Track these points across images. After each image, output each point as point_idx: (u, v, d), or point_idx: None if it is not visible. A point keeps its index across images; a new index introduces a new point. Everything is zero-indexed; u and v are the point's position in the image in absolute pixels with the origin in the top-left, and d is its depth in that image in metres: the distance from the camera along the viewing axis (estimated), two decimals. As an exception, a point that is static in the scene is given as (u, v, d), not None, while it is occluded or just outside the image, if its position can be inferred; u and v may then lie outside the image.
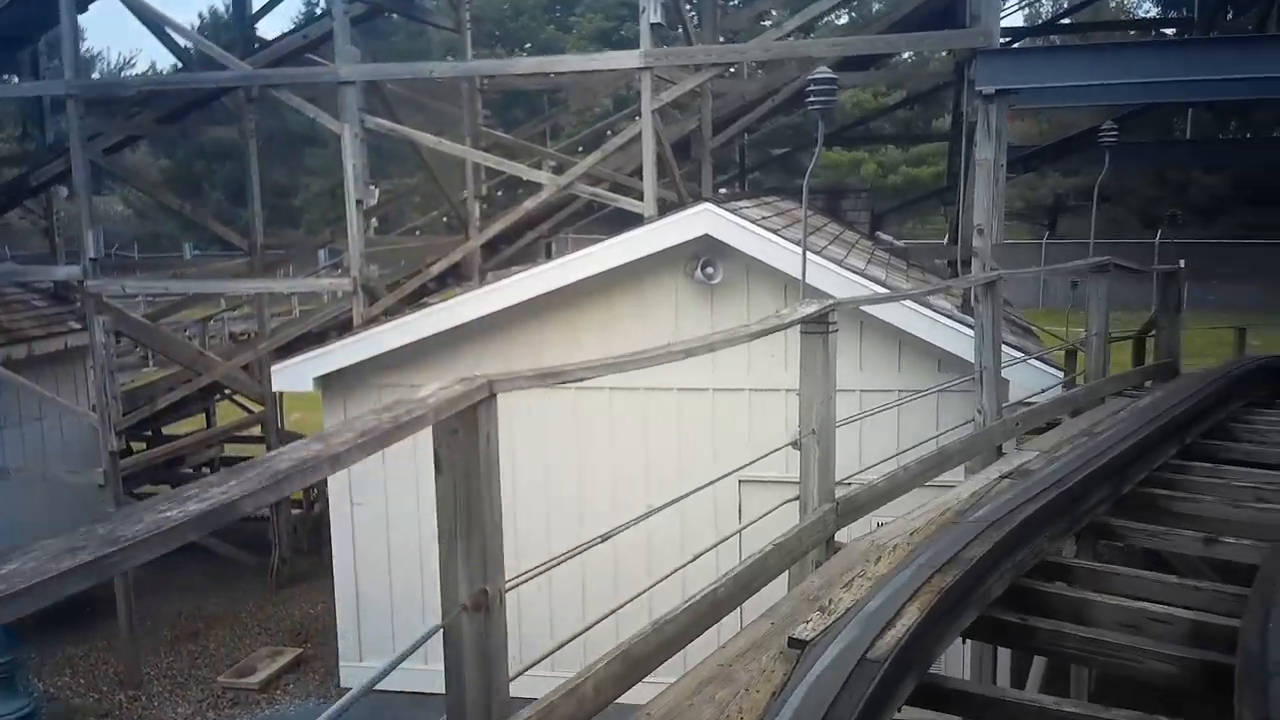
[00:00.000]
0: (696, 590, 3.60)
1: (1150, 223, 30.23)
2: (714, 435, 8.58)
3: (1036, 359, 7.48)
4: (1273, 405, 7.89)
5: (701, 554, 4.15)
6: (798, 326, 4.45)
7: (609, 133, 11.62)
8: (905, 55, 25.26)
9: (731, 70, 12.76)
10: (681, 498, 4.48)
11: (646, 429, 8.59)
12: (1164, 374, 9.07)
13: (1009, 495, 4.36)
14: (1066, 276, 7.59)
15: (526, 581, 2.89)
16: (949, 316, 7.68)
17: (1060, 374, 7.63)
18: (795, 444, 4.61)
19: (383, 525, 9.09)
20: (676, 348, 3.68)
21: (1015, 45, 9.23)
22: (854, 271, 7.93)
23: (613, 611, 3.59)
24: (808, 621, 3.16)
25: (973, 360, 7.68)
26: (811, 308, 4.44)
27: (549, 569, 3.13)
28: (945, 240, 13.74)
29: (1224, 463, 6.34)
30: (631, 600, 3.67)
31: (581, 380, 2.99)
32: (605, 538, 3.35)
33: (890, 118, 27.95)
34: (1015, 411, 6.42)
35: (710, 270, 8.15)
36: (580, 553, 3.23)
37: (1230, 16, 12.43)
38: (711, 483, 4.92)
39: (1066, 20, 15.35)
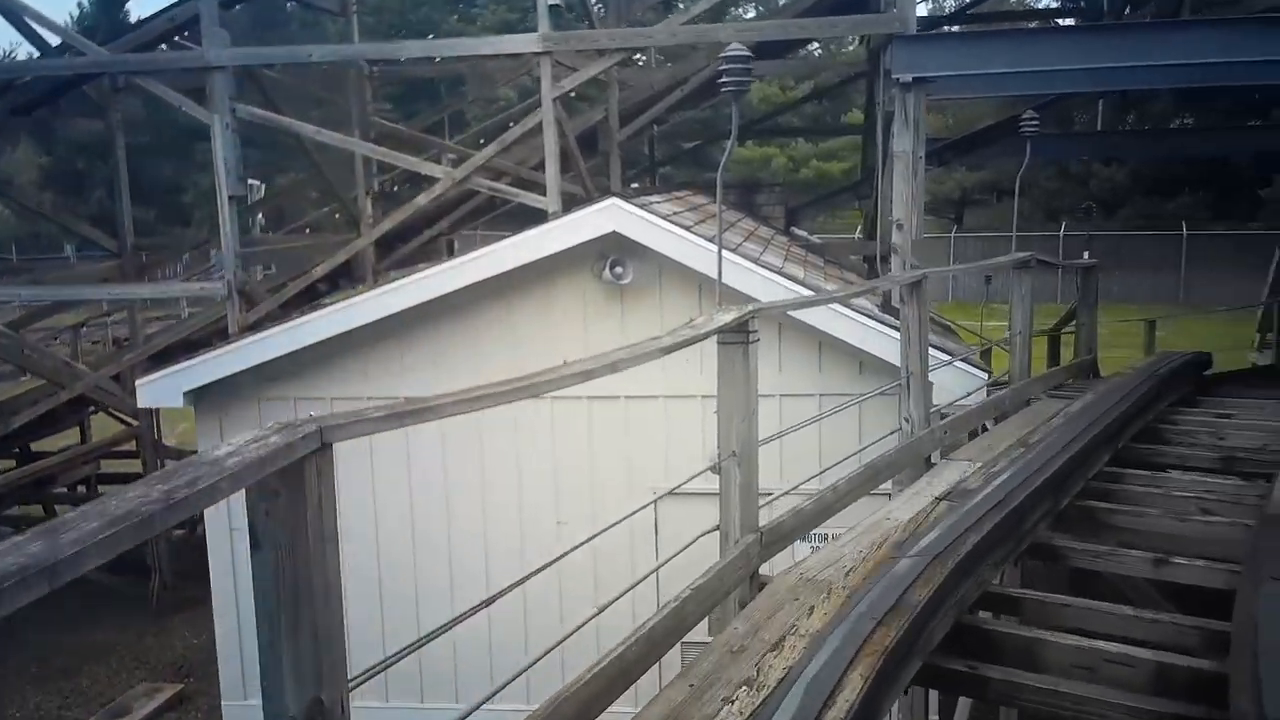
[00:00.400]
0: (618, 623, 3.09)
1: (1053, 215, 30.84)
2: (628, 445, 8.04)
3: (962, 360, 7.13)
4: (1195, 403, 7.72)
5: (614, 599, 3.62)
6: (715, 337, 3.94)
7: (511, 124, 10.99)
8: (815, 49, 25.17)
9: (640, 60, 12.26)
10: (592, 536, 3.95)
11: (554, 440, 8.01)
12: (1085, 371, 8.87)
13: (950, 521, 3.93)
14: (989, 272, 7.29)
15: (376, 675, 2.31)
16: (870, 317, 7.28)
17: (985, 376, 7.31)
18: (714, 468, 4.10)
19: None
20: (571, 370, 3.14)
21: (932, 32, 8.89)
22: (772, 270, 7.48)
23: (521, 672, 3.09)
24: (732, 701, 2.63)
25: (894, 362, 7.32)
26: (729, 315, 3.94)
27: (416, 648, 2.54)
28: (858, 235, 13.49)
29: (1160, 469, 6.06)
30: (542, 657, 3.12)
31: (446, 417, 2.41)
32: (488, 602, 2.78)
33: (800, 112, 27.85)
34: (942, 419, 6.03)
35: (620, 270, 7.60)
36: (456, 623, 2.64)
37: (1128, 11, 12.44)
38: (625, 518, 4.40)
39: (971, 11, 15.24)
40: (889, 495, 5.83)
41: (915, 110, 7.42)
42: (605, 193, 7.72)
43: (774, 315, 6.83)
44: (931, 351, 7.20)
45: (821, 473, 5.25)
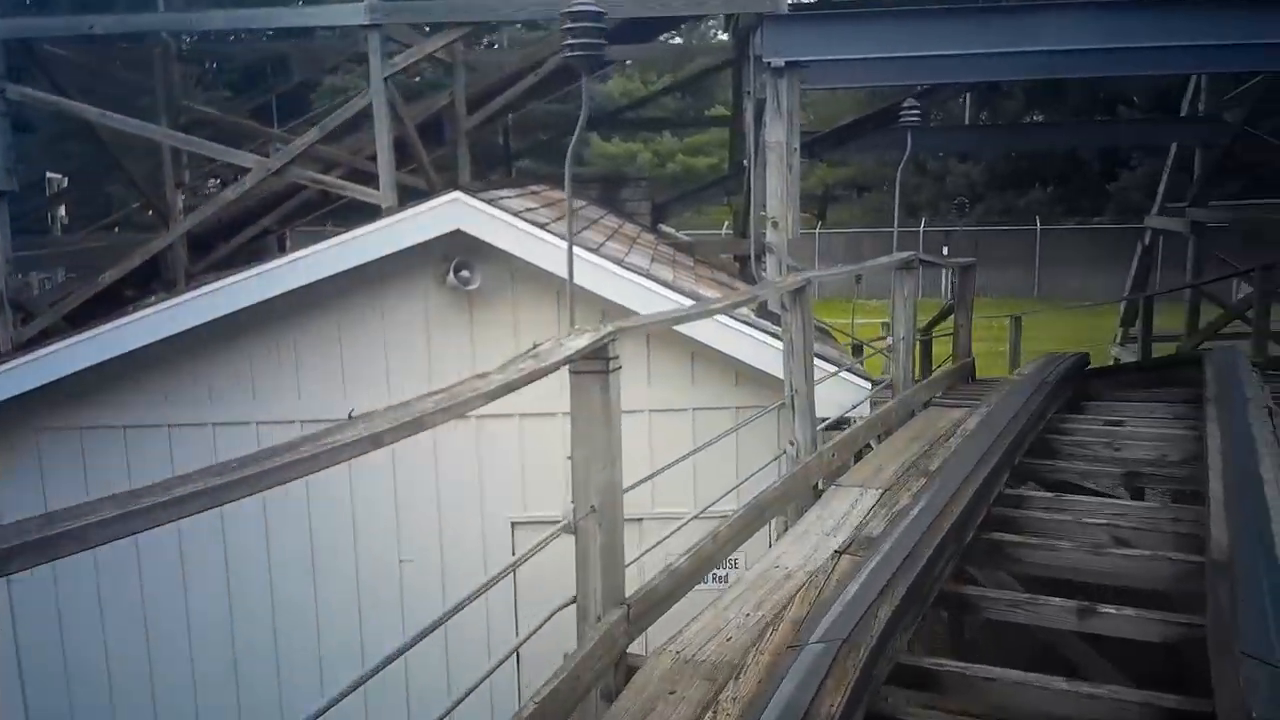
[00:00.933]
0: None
1: (913, 210, 31.32)
2: (480, 470, 7.14)
3: (848, 370, 6.53)
4: (1082, 409, 7.36)
5: (464, 694, 2.77)
6: (567, 366, 3.13)
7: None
8: (678, 37, 24.65)
9: (495, 44, 11.29)
10: (441, 620, 3.09)
11: (394, 469, 7.03)
12: (965, 375, 8.47)
13: (856, 589, 3.21)
14: (872, 272, 6.75)
15: None
16: (746, 323, 6.60)
17: (869, 386, 6.74)
18: (568, 527, 3.28)
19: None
20: (369, 429, 2.26)
21: (805, 13, 8.29)
22: (638, 272, 6.71)
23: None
24: None
25: (772, 372, 6.68)
26: (582, 340, 3.13)
27: None
28: (725, 231, 12.93)
29: (1060, 488, 5.60)
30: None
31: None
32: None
33: (665, 106, 27.35)
34: (829, 441, 5.39)
35: (465, 274, 6.69)
36: None
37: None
38: (480, 590, 3.56)
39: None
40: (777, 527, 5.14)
41: (788, 97, 6.79)
42: (449, 186, 6.79)
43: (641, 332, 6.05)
44: (816, 363, 6.57)
45: (697, 515, 4.50)
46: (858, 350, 13.82)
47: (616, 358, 3.26)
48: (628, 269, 6.67)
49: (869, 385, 6.79)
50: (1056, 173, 31.98)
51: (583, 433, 3.24)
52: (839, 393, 6.61)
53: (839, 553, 3.69)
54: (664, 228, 11.28)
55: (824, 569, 3.59)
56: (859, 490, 5.09)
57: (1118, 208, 29.48)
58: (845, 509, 4.86)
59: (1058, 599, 3.86)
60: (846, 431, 5.63)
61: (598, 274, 6.58)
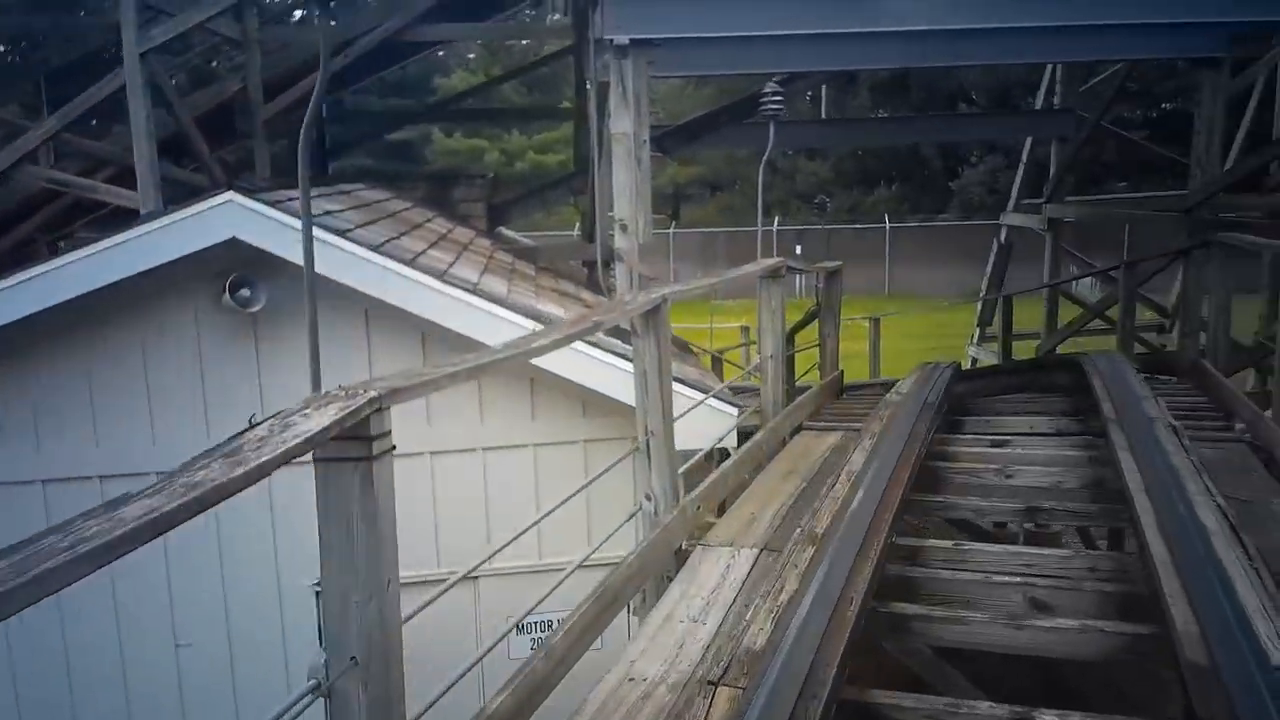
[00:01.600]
0: None
1: (765, 209, 31.12)
2: (274, 530, 5.92)
3: (714, 397, 5.65)
4: (961, 426, 6.74)
5: None
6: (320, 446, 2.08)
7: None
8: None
9: (299, 17, 9.91)
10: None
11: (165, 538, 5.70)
12: (835, 390, 7.76)
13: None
14: (733, 280, 5.96)
15: None
16: (594, 344, 5.63)
17: (735, 411, 5.88)
18: (318, 688, 2.22)
19: None
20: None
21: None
22: (462, 287, 5.63)
23: None
24: None
25: (624, 400, 5.76)
26: (326, 415, 2.07)
27: None
28: (577, 233, 11.96)
29: (955, 529, 4.88)
30: None
31: None
32: None
33: (508, 97, 26.19)
34: (694, 491, 4.48)
35: (246, 293, 5.46)
36: None
37: None
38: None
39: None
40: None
41: (635, 82, 5.86)
42: (224, 186, 5.53)
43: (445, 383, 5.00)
44: (676, 389, 5.65)
45: (518, 622, 3.49)
46: (717, 362, 13.09)
47: (386, 434, 2.21)
48: (450, 283, 5.59)
49: (735, 412, 5.93)
50: (901, 171, 32.47)
51: (335, 548, 2.18)
52: (702, 421, 5.72)
53: (713, 684, 2.74)
54: (505, 231, 10.21)
55: (695, 704, 2.64)
56: (730, 552, 4.19)
57: (961, 205, 30.08)
58: (715, 579, 3.96)
59: (985, 704, 3.04)
60: (713, 476, 4.73)
61: (411, 289, 5.48)
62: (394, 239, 6.07)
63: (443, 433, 5.90)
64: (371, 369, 5.80)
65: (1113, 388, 5.91)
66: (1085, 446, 5.78)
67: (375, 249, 5.52)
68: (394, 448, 2.24)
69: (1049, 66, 12.73)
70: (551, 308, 6.37)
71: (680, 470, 4.71)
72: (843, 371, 8.09)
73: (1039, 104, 12.77)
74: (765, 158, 7.85)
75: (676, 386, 5.80)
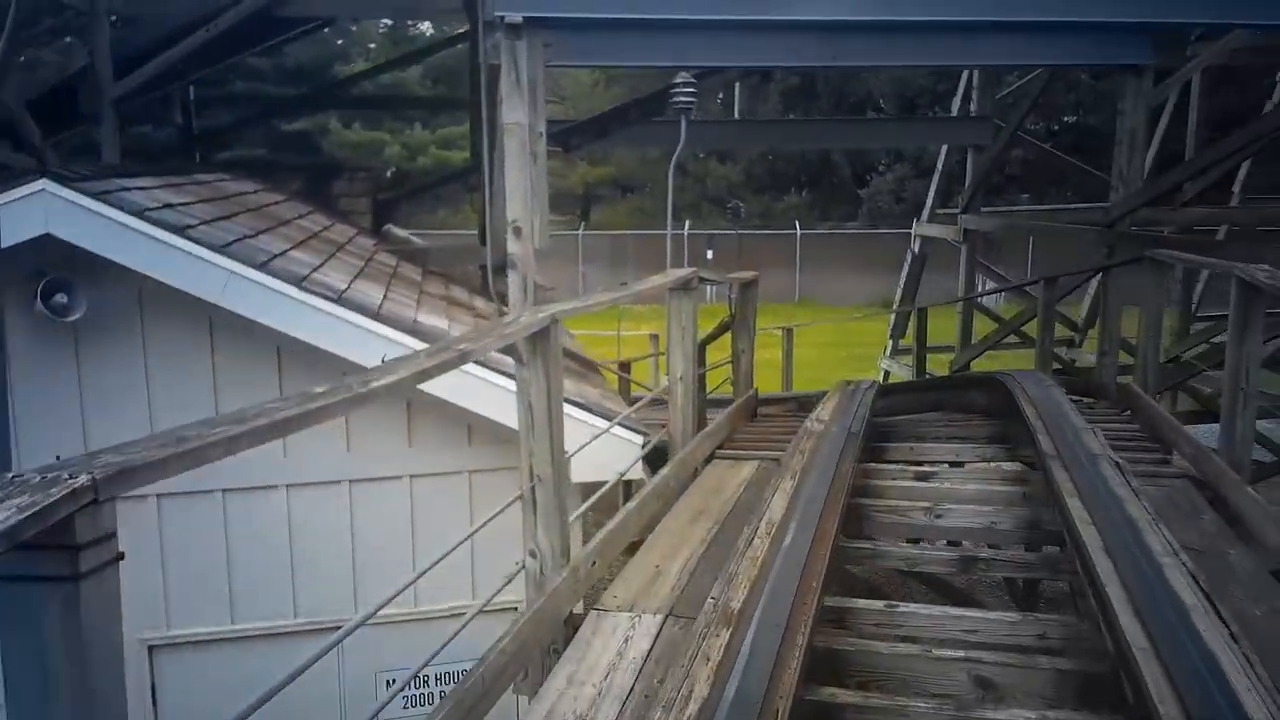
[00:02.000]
0: None
1: (675, 213, 30.66)
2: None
3: (619, 425, 5.00)
4: (884, 454, 6.24)
5: None
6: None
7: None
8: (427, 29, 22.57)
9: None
10: None
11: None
12: (749, 412, 7.20)
13: None
14: (644, 294, 5.36)
15: None
16: (481, 364, 4.92)
17: (640, 440, 5.24)
18: None
19: None
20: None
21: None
22: (326, 296, 4.85)
23: None
24: None
25: (513, 424, 5.07)
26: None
27: None
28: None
29: (891, 582, 4.33)
30: None
31: None
32: None
33: (406, 84, 25.12)
34: (589, 544, 3.80)
35: (63, 299, 4.59)
36: None
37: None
38: None
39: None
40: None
41: (530, 66, 5.17)
42: (36, 173, 4.64)
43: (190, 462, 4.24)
44: (570, 414, 4.97)
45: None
46: (625, 369, 12.44)
47: (107, 539, 1.49)
48: (310, 290, 4.80)
49: (641, 440, 5.29)
50: (811, 177, 32.43)
51: (26, 705, 1.45)
52: (606, 450, 5.06)
53: None
54: (395, 230, 9.38)
55: None
56: (630, 620, 3.54)
57: (870, 213, 30.15)
58: (610, 657, 3.30)
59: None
60: (612, 524, 4.07)
61: (262, 298, 4.68)
62: (248, 238, 5.25)
63: (301, 462, 5.12)
64: (217, 396, 4.99)
65: (1047, 417, 5.46)
66: (1016, 480, 5.31)
67: (219, 249, 4.70)
68: (121, 556, 1.52)
69: (965, 74, 12.48)
70: (435, 319, 5.64)
71: (575, 515, 4.05)
72: (757, 390, 7.55)
73: (955, 111, 12.50)
74: (675, 155, 7.24)
75: (575, 413, 5.14)
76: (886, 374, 13.28)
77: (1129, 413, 6.62)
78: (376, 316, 4.88)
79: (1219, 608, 3.05)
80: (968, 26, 9.20)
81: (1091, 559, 3.42)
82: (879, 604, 3.72)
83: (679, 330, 5.27)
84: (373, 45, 27.38)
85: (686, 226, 28.58)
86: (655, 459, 5.28)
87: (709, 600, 3.16)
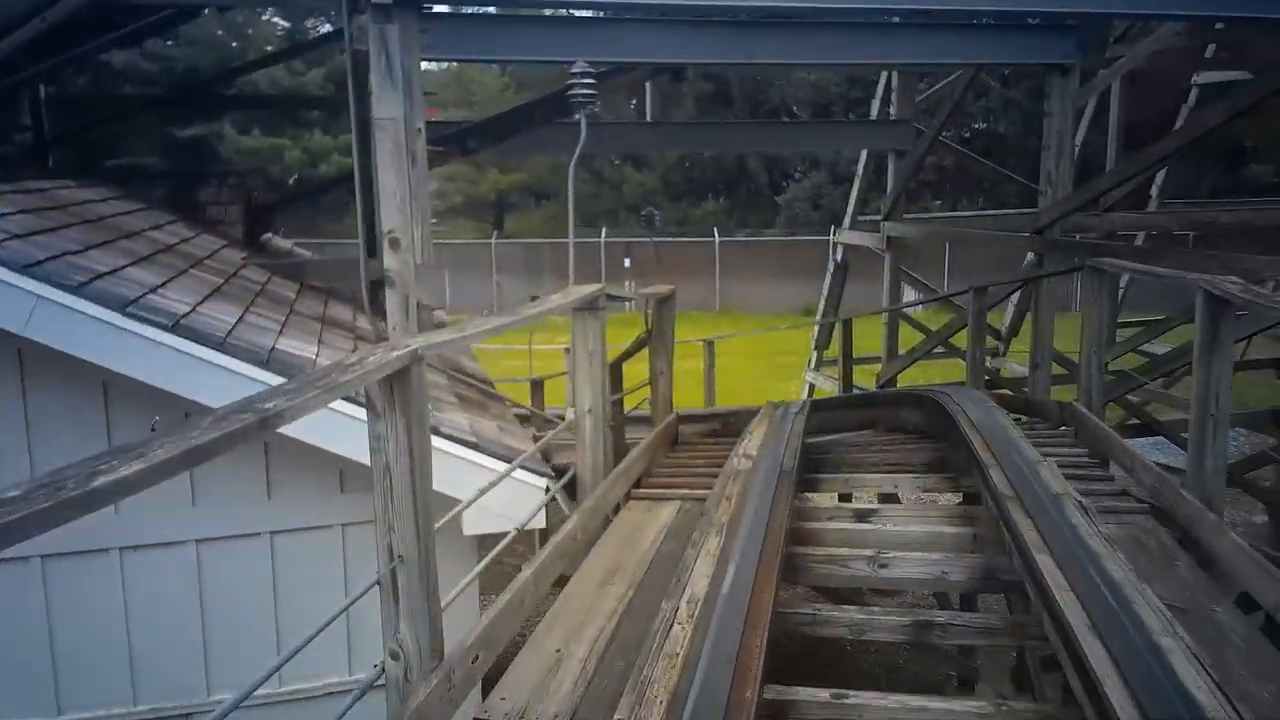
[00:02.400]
0: None
1: (591, 220, 30.03)
2: None
3: (522, 468, 4.30)
4: (817, 485, 5.67)
5: None
6: None
7: None
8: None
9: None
10: None
11: None
12: (669, 440, 6.56)
13: None
14: (542, 316, 4.67)
15: None
16: (351, 400, 4.16)
17: (544, 484, 4.54)
18: None
19: None
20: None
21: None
22: (157, 324, 4.03)
23: None
24: None
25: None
26: None
27: None
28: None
29: (837, 656, 3.70)
30: None
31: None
32: None
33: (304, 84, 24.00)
34: (468, 638, 3.08)
35: None
36: None
37: None
38: None
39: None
40: None
41: (403, 52, 4.45)
42: None
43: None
44: (461, 456, 4.29)
45: None
46: (537, 387, 11.69)
47: None
48: (137, 316, 3.99)
49: (544, 484, 4.59)
50: (728, 184, 32.13)
51: None
52: (504, 494, 4.35)
53: None
54: (275, 241, 8.49)
55: None
56: (524, 737, 2.84)
57: (787, 220, 29.93)
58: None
59: None
60: (504, 599, 3.35)
61: (83, 326, 3.86)
62: (70, 254, 4.40)
63: (138, 521, 4.29)
64: (30, 445, 4.15)
65: (995, 446, 4.93)
66: (963, 519, 4.78)
67: (24, 269, 3.86)
68: None
69: (883, 77, 12.10)
70: (301, 345, 4.85)
71: (455, 594, 3.33)
72: (678, 416, 6.92)
73: (874, 114, 12.10)
74: (576, 155, 6.54)
75: (469, 455, 4.43)
76: (812, 387, 12.81)
77: (1071, 432, 6.17)
78: (221, 346, 4.08)
79: (1234, 703, 2.50)
80: (889, 25, 8.78)
81: (1077, 638, 2.84)
82: (824, 694, 3.08)
83: (585, 356, 4.59)
84: (269, 48, 26.04)
85: (603, 234, 27.98)
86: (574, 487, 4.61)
87: (613, 654, 2.48)
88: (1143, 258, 6.61)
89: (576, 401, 4.68)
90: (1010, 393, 9.94)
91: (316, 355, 4.71)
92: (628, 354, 8.63)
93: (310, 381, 2.24)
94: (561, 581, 3.87)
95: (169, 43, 31.84)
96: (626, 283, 27.20)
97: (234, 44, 28.05)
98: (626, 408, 7.83)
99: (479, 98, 27.90)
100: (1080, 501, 4.05)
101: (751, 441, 5.31)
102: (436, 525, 3.26)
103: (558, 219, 29.21)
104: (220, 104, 11.17)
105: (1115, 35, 11.41)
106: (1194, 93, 12.23)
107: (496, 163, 29.87)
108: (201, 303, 4.72)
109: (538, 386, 11.68)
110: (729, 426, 8.09)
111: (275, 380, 3.90)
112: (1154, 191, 12.68)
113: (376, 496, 2.66)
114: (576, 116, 6.09)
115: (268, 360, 4.16)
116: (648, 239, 27.80)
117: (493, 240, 28.27)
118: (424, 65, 4.78)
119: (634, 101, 24.12)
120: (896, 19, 8.63)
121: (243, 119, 28.48)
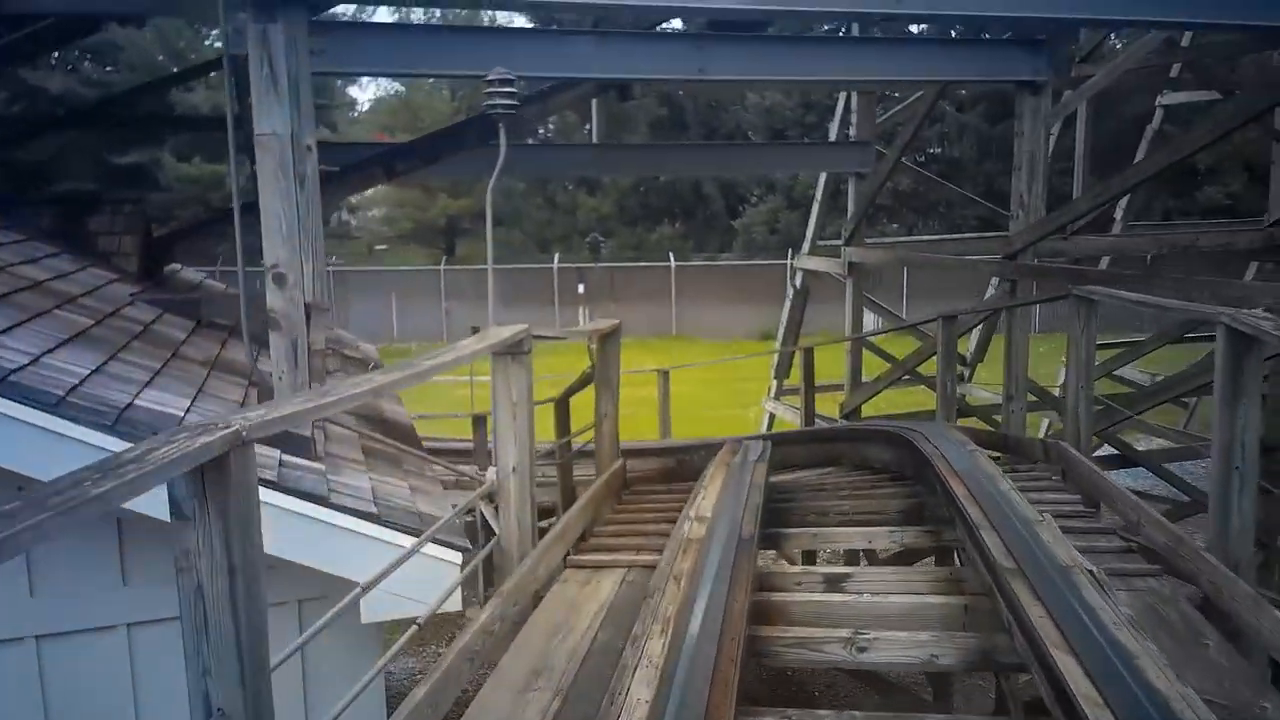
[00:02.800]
0: None
1: (544, 246, 29.37)
2: None
3: (434, 541, 3.59)
4: (780, 543, 5.03)
5: None
6: None
7: None
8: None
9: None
10: None
11: None
12: (614, 491, 5.87)
13: None
14: (461, 362, 4.03)
15: None
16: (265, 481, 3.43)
17: (459, 558, 3.83)
18: None
19: None
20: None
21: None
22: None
23: None
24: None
25: (299, 560, 3.66)
26: None
27: None
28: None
29: None
30: None
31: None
32: None
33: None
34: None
35: None
36: None
37: None
38: None
39: None
40: None
41: (288, 56, 3.76)
42: None
43: None
44: (360, 531, 3.61)
45: None
46: (479, 423, 10.94)
47: None
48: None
49: (460, 559, 3.88)
50: (684, 209, 31.67)
51: None
52: (411, 571, 3.62)
53: None
54: (180, 273, 7.72)
55: None
56: None
57: (744, 245, 29.51)
58: None
59: None
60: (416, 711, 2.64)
61: None
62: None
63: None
64: None
65: (984, 500, 4.32)
66: (951, 586, 4.15)
67: None
68: None
69: (843, 98, 11.62)
70: (172, 399, 4.10)
71: (343, 705, 2.62)
72: (627, 452, 6.26)
73: (833, 137, 11.61)
74: (496, 171, 5.82)
75: (365, 529, 3.73)
76: (772, 418, 12.21)
77: (1054, 470, 5.59)
78: (55, 408, 3.33)
79: None
80: (854, 39, 8.32)
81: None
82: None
83: (508, 408, 3.91)
84: (213, 74, 25.11)
85: (556, 260, 27.33)
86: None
87: None
88: (1128, 285, 6.08)
89: (499, 460, 3.99)
90: (981, 422, 9.42)
91: (188, 410, 3.97)
92: (574, 389, 7.94)
93: (112, 464, 1.56)
94: (465, 699, 3.17)
95: (108, 69, 30.78)
96: (581, 308, 26.56)
97: (175, 68, 27.09)
98: (578, 443, 7.17)
99: (427, 123, 27.15)
100: (1092, 572, 3.44)
101: (707, 498, 4.64)
102: (319, 623, 2.58)
103: (511, 245, 28.54)
104: (119, 124, 10.30)
105: (1080, 55, 11.04)
106: (1159, 114, 11.91)
107: (446, 188, 29.17)
108: (50, 351, 3.96)
109: (479, 422, 10.94)
110: (684, 465, 7.44)
111: (118, 446, 3.18)
112: (1118, 214, 12.30)
113: (186, 630, 1.95)
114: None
115: (115, 422, 3.42)
116: (603, 265, 27.19)
117: (441, 266, 27.48)
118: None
119: (587, 127, 23.56)
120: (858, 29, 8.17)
121: (182, 145, 27.49)
